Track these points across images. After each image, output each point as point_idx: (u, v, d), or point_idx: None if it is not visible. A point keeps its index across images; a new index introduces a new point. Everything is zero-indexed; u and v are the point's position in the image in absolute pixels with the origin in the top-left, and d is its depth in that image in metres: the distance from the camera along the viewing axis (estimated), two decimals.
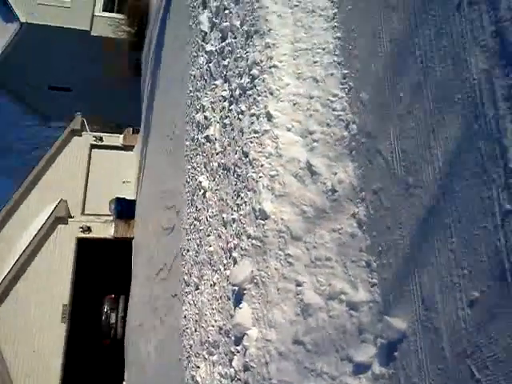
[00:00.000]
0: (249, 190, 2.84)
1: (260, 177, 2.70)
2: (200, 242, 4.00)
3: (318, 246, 2.26)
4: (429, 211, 1.60)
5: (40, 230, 14.00)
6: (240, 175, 3.06)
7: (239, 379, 2.47)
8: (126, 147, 15.22)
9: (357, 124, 2.20)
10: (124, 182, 14.37)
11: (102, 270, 15.10)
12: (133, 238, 12.78)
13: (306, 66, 2.64)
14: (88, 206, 15.03)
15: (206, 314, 3.38)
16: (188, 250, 4.52)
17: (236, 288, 2.75)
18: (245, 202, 2.89)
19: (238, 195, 3.05)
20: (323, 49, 2.56)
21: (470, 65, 1.43)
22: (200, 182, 4.16)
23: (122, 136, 15.35)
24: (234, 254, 2.91)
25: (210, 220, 3.73)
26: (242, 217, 2.90)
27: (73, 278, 13.91)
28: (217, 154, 3.77)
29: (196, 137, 4.69)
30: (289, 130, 2.64)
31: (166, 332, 5.65)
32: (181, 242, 5.01)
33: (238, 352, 2.53)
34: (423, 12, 1.70)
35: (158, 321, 6.45)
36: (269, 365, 2.21)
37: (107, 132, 16.62)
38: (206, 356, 3.24)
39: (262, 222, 2.59)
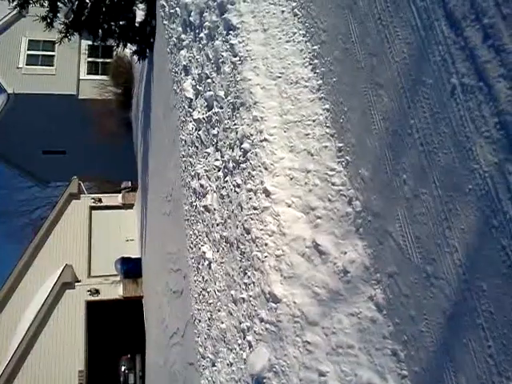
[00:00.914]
0: (255, 270, 2.72)
1: (265, 256, 2.58)
2: (211, 315, 3.85)
3: (338, 332, 2.12)
4: (455, 307, 1.48)
5: (48, 297, 13.87)
6: (244, 252, 2.94)
7: None
8: (126, 206, 15.17)
9: (360, 200, 2.10)
10: (127, 240, 14.24)
11: (115, 331, 14.85)
12: (142, 297, 12.54)
13: (297, 138, 2.56)
14: (94, 268, 14.90)
15: None
16: (200, 321, 4.36)
17: (255, 376, 2.59)
18: (253, 283, 2.76)
19: (245, 273, 2.93)
20: (313, 120, 2.49)
21: (477, 156, 1.34)
22: (204, 253, 4.04)
23: (120, 195, 15.33)
24: (249, 338, 2.76)
25: (219, 294, 3.59)
26: (251, 298, 2.77)
27: (86, 343, 13.66)
28: (217, 225, 3.67)
29: (194, 203, 4.60)
30: (289, 205, 2.54)
31: None
32: (191, 308, 4.84)
33: None
34: (415, 93, 1.62)
35: None
36: None
37: (105, 190, 16.65)
38: None
39: (274, 305, 2.46)
